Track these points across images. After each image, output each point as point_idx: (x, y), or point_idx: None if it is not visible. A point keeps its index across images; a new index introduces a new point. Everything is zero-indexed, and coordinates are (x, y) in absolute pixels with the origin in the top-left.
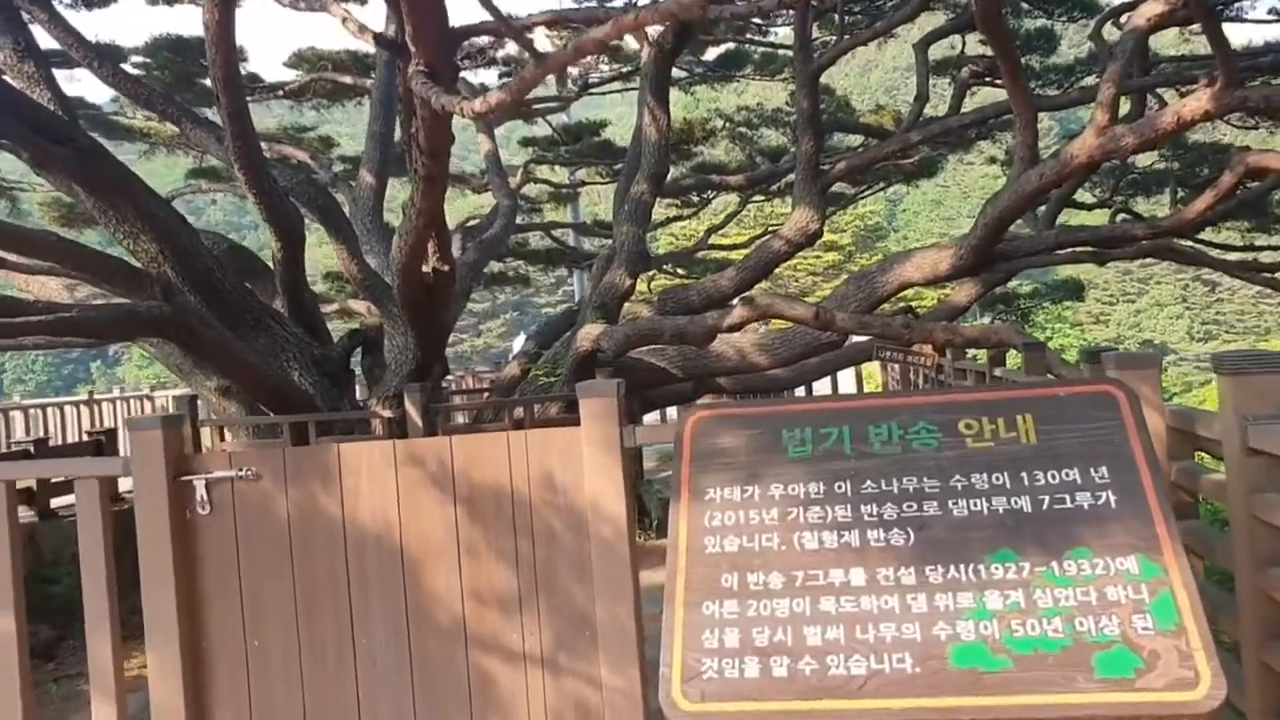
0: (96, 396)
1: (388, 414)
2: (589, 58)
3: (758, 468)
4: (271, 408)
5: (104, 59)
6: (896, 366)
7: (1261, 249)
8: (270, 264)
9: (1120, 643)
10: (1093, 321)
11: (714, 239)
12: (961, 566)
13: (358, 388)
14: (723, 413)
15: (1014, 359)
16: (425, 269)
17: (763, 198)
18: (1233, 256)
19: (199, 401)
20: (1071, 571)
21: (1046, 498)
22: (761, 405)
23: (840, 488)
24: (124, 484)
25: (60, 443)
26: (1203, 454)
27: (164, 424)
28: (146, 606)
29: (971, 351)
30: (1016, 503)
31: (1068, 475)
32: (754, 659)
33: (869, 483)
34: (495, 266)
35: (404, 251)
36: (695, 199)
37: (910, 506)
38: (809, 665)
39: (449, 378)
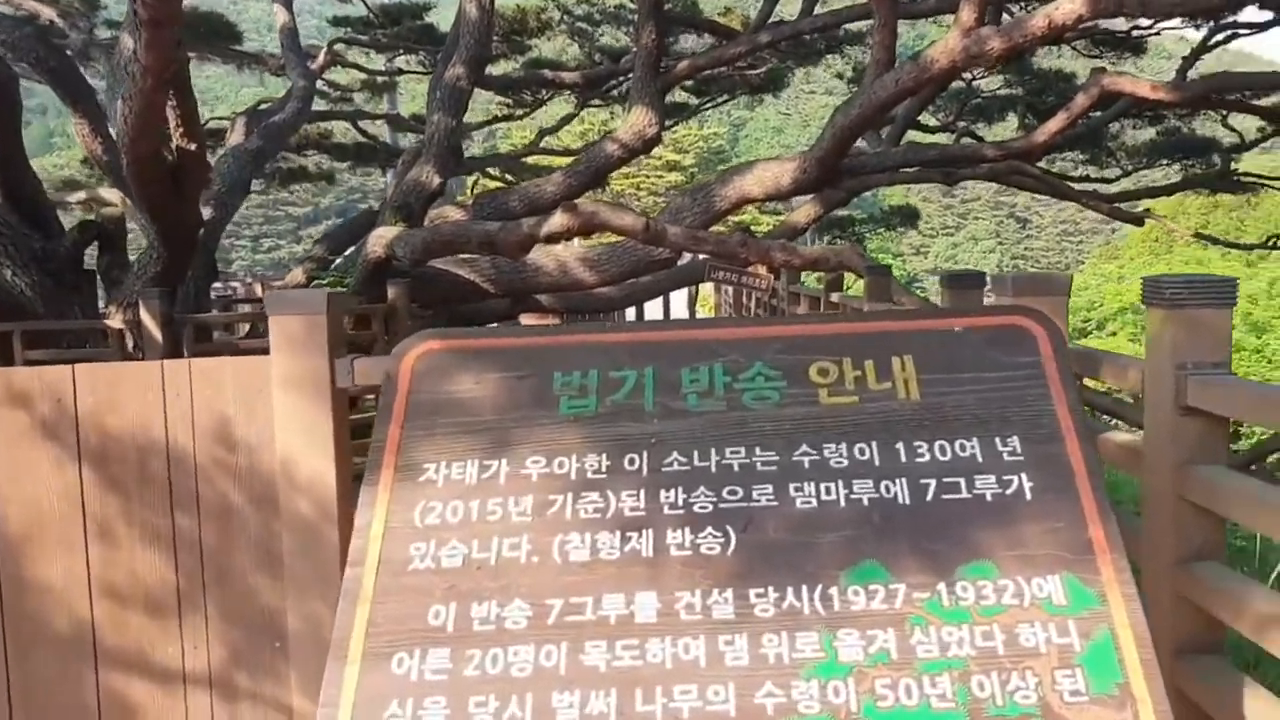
0: None
1: (119, 325)
2: None
3: (509, 431)
4: None
5: None
6: (730, 289)
7: (1094, 180)
8: None
9: (1038, 717)
10: (913, 253)
11: (547, 143)
12: (804, 590)
13: (101, 292)
14: (465, 344)
15: (851, 283)
16: (166, 147)
17: (601, 102)
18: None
19: None
20: (968, 599)
21: (932, 483)
22: (525, 335)
23: (632, 463)
24: None
25: None
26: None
27: None
28: None
29: (806, 275)
30: (889, 489)
31: (963, 449)
32: None
33: (675, 456)
34: (297, 161)
35: (131, 122)
36: (528, 98)
37: (733, 493)
38: None
39: (234, 284)
